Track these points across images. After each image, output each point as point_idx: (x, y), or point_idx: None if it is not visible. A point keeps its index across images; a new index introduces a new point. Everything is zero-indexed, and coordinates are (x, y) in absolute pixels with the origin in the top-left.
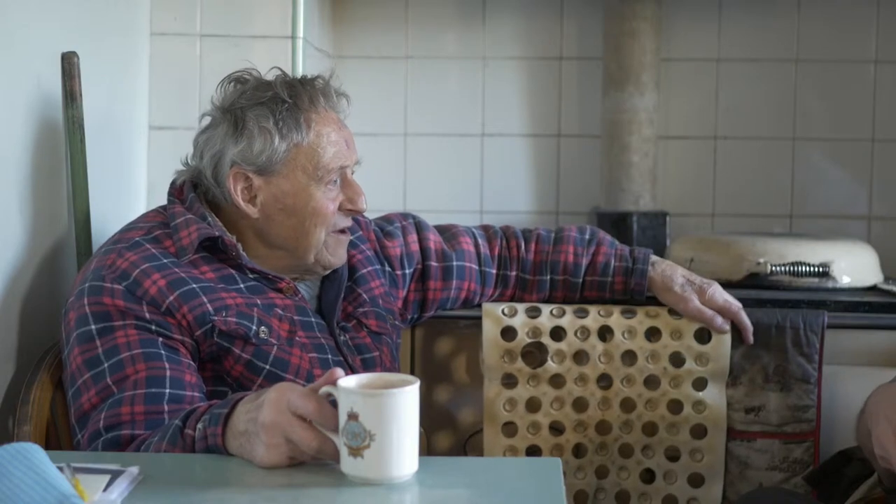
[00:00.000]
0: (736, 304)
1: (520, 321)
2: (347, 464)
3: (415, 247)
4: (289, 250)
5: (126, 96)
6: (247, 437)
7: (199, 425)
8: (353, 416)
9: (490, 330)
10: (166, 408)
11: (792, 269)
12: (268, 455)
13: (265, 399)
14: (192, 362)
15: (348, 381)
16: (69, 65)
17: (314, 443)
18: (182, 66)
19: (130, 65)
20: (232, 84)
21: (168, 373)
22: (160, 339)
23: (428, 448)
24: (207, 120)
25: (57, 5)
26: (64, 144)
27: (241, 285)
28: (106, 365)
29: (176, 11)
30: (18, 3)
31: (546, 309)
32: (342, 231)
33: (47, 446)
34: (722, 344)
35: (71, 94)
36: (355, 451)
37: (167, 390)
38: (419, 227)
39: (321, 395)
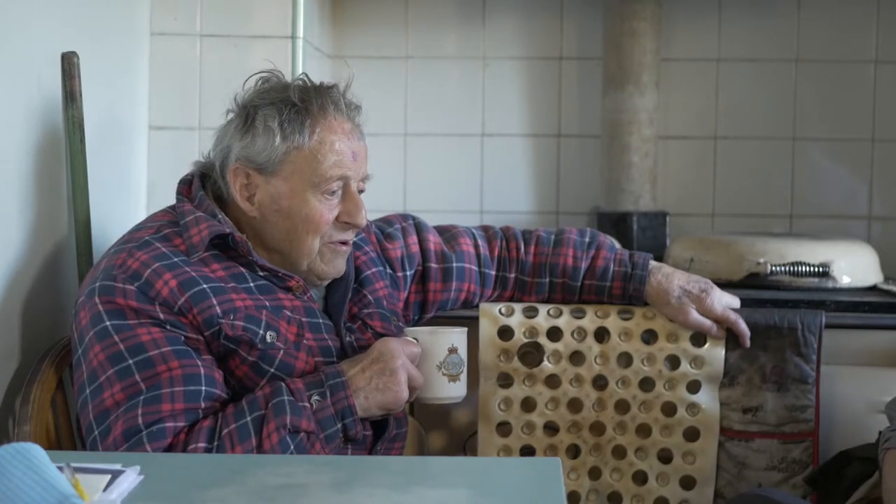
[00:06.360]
0: (733, 314)
1: (517, 321)
2: (445, 390)
3: (415, 248)
4: (283, 254)
5: (126, 96)
6: (373, 387)
7: (315, 397)
8: (453, 350)
9: (487, 329)
10: (203, 405)
11: (792, 269)
12: (403, 389)
13: (383, 351)
14: (213, 358)
15: (424, 330)
16: (69, 65)
17: (422, 378)
18: (182, 66)
19: (130, 65)
20: (257, 82)
21: (202, 370)
22: (182, 337)
23: (427, 448)
24: (231, 115)
25: (57, 5)
26: (64, 145)
27: (251, 284)
28: (131, 361)
29: (176, 11)
30: (18, 3)
31: (543, 309)
32: (343, 243)
33: (47, 446)
34: (717, 347)
35: (71, 95)
36: (454, 378)
37: (203, 388)
38: (419, 228)
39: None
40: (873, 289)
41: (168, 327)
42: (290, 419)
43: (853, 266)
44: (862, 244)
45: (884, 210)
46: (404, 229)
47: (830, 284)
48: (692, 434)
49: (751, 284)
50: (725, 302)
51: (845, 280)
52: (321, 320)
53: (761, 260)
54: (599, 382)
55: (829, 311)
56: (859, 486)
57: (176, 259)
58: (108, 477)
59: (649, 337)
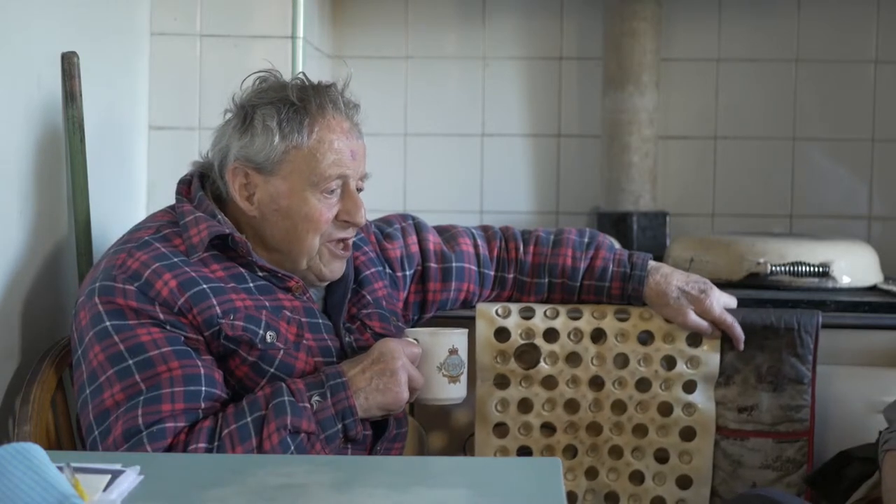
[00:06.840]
0: (730, 318)
1: (513, 322)
2: (445, 391)
3: (414, 248)
4: (284, 253)
5: (126, 96)
6: (373, 388)
7: (316, 398)
8: (453, 351)
9: (483, 330)
10: (203, 405)
11: (792, 269)
12: (404, 390)
13: (384, 352)
14: (213, 358)
15: (424, 331)
16: (69, 65)
17: (422, 379)
18: (182, 66)
19: (130, 65)
20: (254, 82)
21: (202, 371)
22: (182, 337)
23: (427, 448)
24: (229, 115)
25: (57, 5)
26: (64, 145)
27: (251, 284)
28: (131, 362)
29: (176, 11)
30: (18, 3)
31: (540, 310)
32: (343, 245)
33: (47, 446)
34: (713, 348)
35: (71, 95)
36: (454, 379)
37: (203, 388)
38: (418, 228)
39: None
40: (873, 289)
41: (168, 327)
42: (291, 420)
43: (853, 266)
44: (862, 244)
45: (884, 210)
46: (404, 229)
47: (830, 284)
48: (688, 434)
49: (751, 284)
50: (724, 302)
51: (845, 280)
52: (321, 320)
53: (761, 260)
54: (596, 383)
55: (828, 311)
56: (859, 486)
57: (176, 259)
58: (108, 477)
59: (646, 338)
